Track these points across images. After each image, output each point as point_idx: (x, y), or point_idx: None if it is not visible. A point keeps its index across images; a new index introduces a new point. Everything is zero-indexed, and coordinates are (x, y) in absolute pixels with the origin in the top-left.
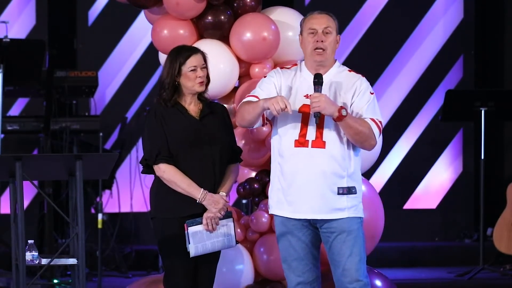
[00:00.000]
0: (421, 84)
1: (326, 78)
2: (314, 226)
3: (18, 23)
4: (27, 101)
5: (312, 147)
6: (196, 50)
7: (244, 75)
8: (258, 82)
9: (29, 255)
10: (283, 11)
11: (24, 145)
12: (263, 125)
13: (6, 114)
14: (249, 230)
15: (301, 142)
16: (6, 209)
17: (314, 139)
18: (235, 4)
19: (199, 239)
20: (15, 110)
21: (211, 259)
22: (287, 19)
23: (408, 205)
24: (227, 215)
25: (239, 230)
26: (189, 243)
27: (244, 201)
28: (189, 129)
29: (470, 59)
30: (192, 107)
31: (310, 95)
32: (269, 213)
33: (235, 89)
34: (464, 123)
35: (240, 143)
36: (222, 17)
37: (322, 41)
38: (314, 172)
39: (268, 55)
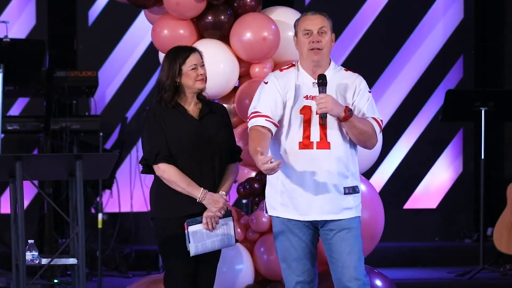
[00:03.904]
0: (421, 84)
1: None
2: (314, 226)
3: (18, 23)
4: (27, 101)
5: (317, 148)
6: (194, 49)
7: (244, 75)
8: (258, 92)
9: (29, 255)
10: (283, 11)
11: (24, 145)
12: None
13: (6, 114)
14: (249, 230)
15: (305, 144)
16: (6, 209)
17: (318, 140)
18: (235, 4)
19: (199, 238)
20: (15, 110)
21: (212, 259)
22: (287, 19)
23: (408, 205)
24: (227, 214)
25: (239, 230)
26: (189, 242)
27: (244, 201)
28: (189, 130)
29: (470, 59)
30: (192, 107)
31: (314, 97)
32: (269, 214)
33: (235, 89)
34: (464, 123)
35: (239, 143)
36: (222, 17)
37: (318, 41)
38: (320, 174)
39: (268, 55)
